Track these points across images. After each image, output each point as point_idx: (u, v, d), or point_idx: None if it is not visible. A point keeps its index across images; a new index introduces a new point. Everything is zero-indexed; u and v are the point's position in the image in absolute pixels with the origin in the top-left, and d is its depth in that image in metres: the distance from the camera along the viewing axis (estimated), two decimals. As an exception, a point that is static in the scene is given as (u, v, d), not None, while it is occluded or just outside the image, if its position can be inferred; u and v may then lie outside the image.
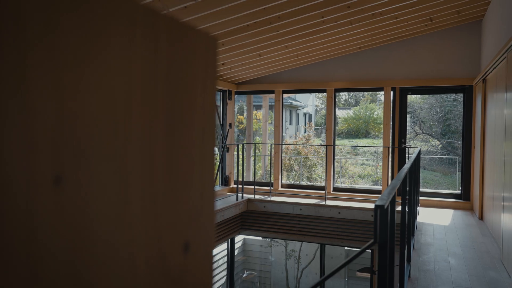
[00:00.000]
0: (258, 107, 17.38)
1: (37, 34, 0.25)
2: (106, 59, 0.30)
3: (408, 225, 3.67)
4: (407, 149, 6.98)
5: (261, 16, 4.65)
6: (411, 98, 16.63)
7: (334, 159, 7.54)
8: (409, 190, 3.68)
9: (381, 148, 7.77)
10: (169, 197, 0.38)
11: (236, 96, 8.24)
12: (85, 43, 0.28)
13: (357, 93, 22.44)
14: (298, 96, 21.37)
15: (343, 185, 11.15)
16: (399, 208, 4.22)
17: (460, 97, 7.80)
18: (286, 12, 4.64)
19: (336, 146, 7.70)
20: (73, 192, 0.28)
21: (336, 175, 13.06)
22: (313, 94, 21.91)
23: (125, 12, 0.32)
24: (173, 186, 0.38)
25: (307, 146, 13.13)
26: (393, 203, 1.81)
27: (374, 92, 20.47)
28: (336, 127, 8.31)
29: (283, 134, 14.04)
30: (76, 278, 0.29)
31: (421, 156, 7.75)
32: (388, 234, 1.50)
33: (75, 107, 0.28)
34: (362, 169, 16.29)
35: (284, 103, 8.74)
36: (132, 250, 0.33)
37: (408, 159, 6.55)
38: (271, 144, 7.66)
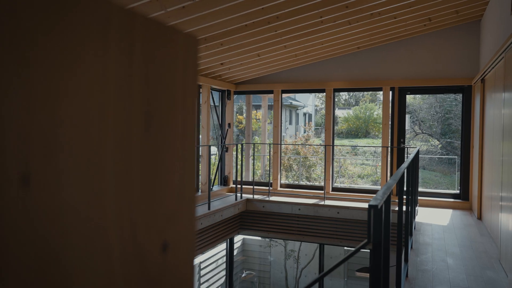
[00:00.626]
0: (258, 107, 17.37)
1: (9, 46, 0.25)
2: (79, 61, 0.30)
3: (406, 225, 3.67)
4: (406, 149, 6.98)
5: (259, 16, 4.65)
6: (410, 98, 16.62)
7: (333, 159, 7.54)
8: (407, 190, 3.68)
9: (381, 148, 7.76)
10: (146, 196, 0.38)
11: (235, 96, 8.25)
12: (58, 48, 0.28)
13: (357, 93, 22.44)
14: (298, 96, 21.36)
15: (342, 185, 11.14)
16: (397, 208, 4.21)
17: (459, 96, 7.80)
18: (284, 12, 4.64)
19: (335, 146, 7.70)
20: (41, 192, 0.28)
21: (335, 175, 13.06)
22: (313, 94, 21.89)
23: (98, 13, 0.32)
24: (150, 186, 0.38)
25: (306, 146, 13.12)
26: (388, 202, 1.81)
27: (373, 92, 20.46)
28: (336, 127, 8.32)
29: (283, 134, 14.02)
30: (50, 277, 0.29)
31: (420, 156, 7.73)
32: (383, 234, 1.50)
33: (45, 108, 0.28)
34: (361, 169, 16.28)
35: (284, 103, 8.75)
36: (106, 248, 0.33)
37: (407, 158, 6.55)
38: (270, 144, 7.66)
